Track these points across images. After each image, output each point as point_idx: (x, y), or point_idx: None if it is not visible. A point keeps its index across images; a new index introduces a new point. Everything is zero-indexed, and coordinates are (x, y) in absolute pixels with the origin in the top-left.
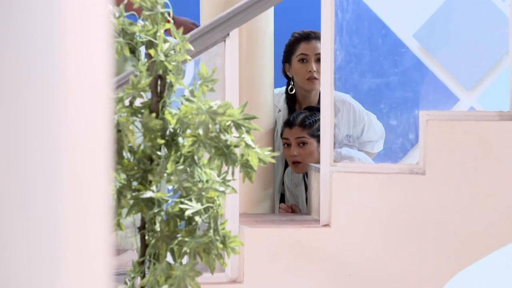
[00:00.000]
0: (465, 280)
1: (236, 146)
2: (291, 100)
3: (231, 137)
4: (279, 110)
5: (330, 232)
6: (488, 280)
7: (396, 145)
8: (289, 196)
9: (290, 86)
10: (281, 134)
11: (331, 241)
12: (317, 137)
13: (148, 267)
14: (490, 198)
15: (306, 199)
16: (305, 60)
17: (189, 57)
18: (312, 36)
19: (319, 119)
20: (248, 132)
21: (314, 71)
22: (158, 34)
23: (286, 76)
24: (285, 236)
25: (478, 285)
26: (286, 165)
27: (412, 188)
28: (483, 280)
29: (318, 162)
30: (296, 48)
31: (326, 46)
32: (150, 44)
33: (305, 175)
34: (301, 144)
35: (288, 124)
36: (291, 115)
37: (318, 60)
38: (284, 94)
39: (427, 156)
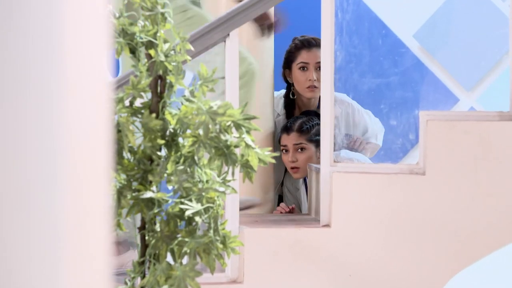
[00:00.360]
0: (465, 280)
1: (236, 146)
2: (290, 105)
3: (231, 137)
4: (278, 115)
5: (330, 232)
6: (488, 280)
7: (396, 145)
8: (290, 198)
9: (291, 92)
10: (279, 140)
11: (331, 241)
12: (315, 142)
13: (148, 267)
14: (490, 198)
15: (299, 202)
16: (305, 68)
17: (189, 58)
18: (313, 44)
19: (316, 124)
20: (248, 132)
21: (314, 79)
22: (158, 34)
23: (286, 81)
24: (285, 236)
25: (478, 285)
26: (286, 168)
27: (412, 188)
28: (483, 280)
29: (316, 166)
30: (297, 56)
31: (326, 46)
32: (150, 45)
33: (305, 179)
34: (299, 150)
35: (286, 130)
36: (288, 120)
37: (318, 68)
38: (283, 99)
39: (427, 156)
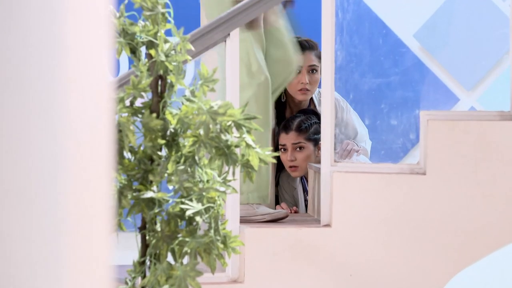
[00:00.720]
0: (466, 280)
1: (236, 146)
2: (281, 105)
3: (232, 137)
4: None
5: (331, 232)
6: (488, 280)
7: (396, 145)
8: (287, 198)
9: (281, 94)
10: (277, 139)
11: (331, 241)
12: (314, 141)
13: (149, 267)
14: (491, 198)
15: (305, 201)
16: (298, 71)
17: (189, 57)
18: (306, 47)
19: (314, 123)
20: (248, 132)
21: (307, 83)
22: (158, 34)
23: None
24: (286, 236)
25: (478, 285)
26: (280, 168)
27: (412, 188)
28: (484, 280)
29: (315, 165)
30: None
31: (327, 46)
32: (150, 44)
33: (302, 178)
34: (298, 149)
35: (284, 129)
36: (286, 119)
37: (311, 71)
38: None
39: (428, 156)
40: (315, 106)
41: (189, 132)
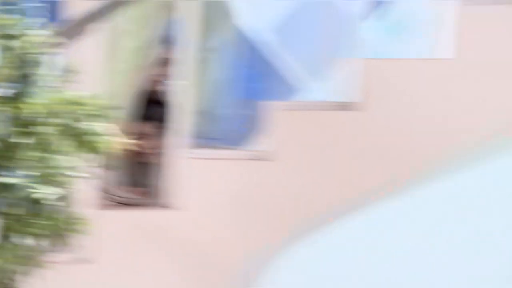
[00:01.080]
0: (301, 254)
1: (91, 134)
2: (140, 97)
3: (88, 125)
4: None
5: (182, 214)
6: (323, 255)
7: (245, 133)
8: (140, 183)
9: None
10: (132, 127)
11: (181, 223)
12: (167, 129)
13: None
14: (334, 181)
15: (157, 186)
16: (153, 64)
17: (53, 50)
18: (161, 41)
19: (168, 112)
20: (107, 121)
21: (162, 75)
22: (21, 27)
23: None
24: (138, 218)
25: (312, 259)
26: (135, 154)
27: (260, 174)
28: (318, 255)
29: (170, 152)
30: None
31: (183, 39)
32: (12, 37)
33: (155, 163)
34: (154, 137)
35: (142, 118)
36: (141, 108)
37: (164, 64)
38: None
39: (275, 143)
40: (167, 97)
41: (47, 120)
